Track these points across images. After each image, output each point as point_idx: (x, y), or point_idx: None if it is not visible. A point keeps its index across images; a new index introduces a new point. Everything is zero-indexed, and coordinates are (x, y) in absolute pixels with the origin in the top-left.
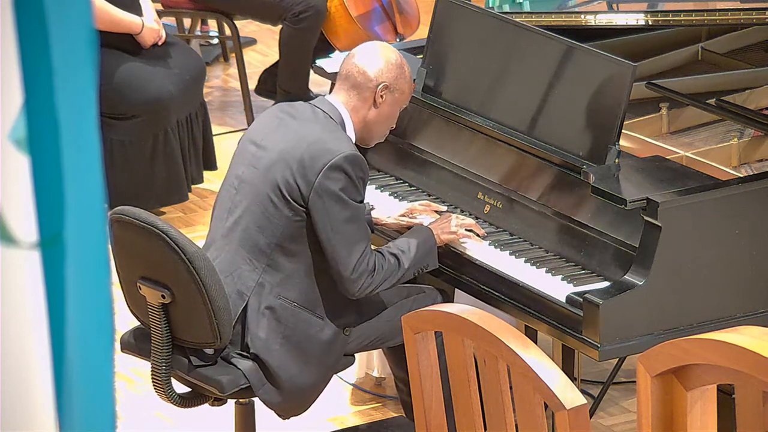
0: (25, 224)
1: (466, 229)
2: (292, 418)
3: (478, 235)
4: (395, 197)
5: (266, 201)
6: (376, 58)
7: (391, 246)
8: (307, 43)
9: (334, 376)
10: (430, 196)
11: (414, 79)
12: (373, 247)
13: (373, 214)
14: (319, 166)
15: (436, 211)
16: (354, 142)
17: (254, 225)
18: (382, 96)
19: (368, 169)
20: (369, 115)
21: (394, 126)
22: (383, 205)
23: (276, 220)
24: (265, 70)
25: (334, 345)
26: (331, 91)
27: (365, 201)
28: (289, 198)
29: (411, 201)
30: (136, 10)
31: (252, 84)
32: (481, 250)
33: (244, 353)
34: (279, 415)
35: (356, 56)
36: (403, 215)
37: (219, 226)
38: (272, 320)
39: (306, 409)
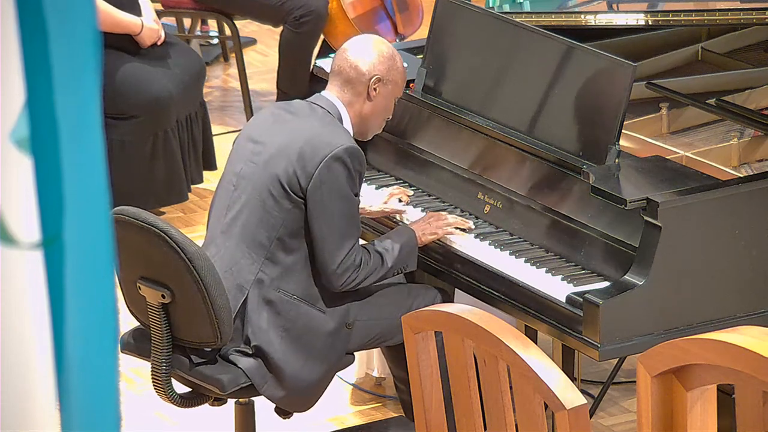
0: (25, 224)
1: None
2: (291, 418)
3: (464, 231)
4: (406, 203)
5: (266, 194)
6: (367, 52)
7: (376, 244)
8: (307, 47)
9: (335, 375)
10: (430, 196)
11: (413, 79)
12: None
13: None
14: (319, 158)
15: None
16: (352, 135)
17: (254, 219)
18: (375, 89)
19: (366, 165)
20: (364, 108)
21: (390, 117)
22: (365, 195)
23: (276, 213)
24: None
25: (337, 339)
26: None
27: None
28: (288, 190)
29: (411, 200)
30: (135, 10)
31: (252, 84)
32: (482, 250)
33: (245, 350)
34: (283, 412)
35: (347, 51)
36: (385, 202)
37: (217, 224)
38: (272, 313)
39: (311, 406)
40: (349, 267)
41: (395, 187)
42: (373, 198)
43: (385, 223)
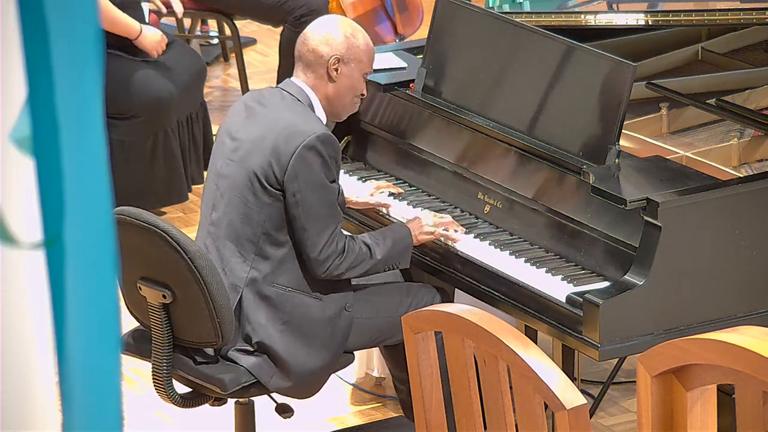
0: (25, 224)
1: (446, 228)
2: (291, 418)
3: (457, 232)
4: (394, 197)
5: (245, 191)
6: (324, 34)
7: (365, 235)
8: None
9: (334, 375)
10: (430, 196)
11: (413, 79)
12: (346, 232)
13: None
14: (293, 148)
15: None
16: (326, 119)
17: (237, 217)
18: (336, 69)
19: (340, 149)
20: (329, 90)
21: (364, 94)
22: (352, 187)
23: (258, 209)
24: None
25: (338, 322)
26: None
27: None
28: (266, 184)
29: (411, 200)
30: (138, 17)
31: (252, 84)
32: (481, 250)
33: (245, 348)
34: (283, 411)
35: (306, 34)
36: (371, 194)
37: (204, 224)
38: (269, 308)
39: (316, 392)
40: (331, 254)
41: (383, 180)
42: (360, 189)
43: (379, 219)
